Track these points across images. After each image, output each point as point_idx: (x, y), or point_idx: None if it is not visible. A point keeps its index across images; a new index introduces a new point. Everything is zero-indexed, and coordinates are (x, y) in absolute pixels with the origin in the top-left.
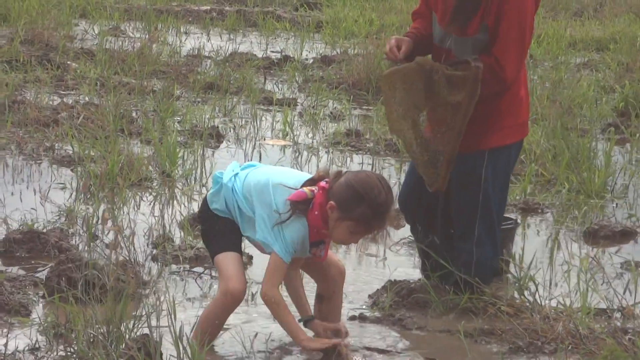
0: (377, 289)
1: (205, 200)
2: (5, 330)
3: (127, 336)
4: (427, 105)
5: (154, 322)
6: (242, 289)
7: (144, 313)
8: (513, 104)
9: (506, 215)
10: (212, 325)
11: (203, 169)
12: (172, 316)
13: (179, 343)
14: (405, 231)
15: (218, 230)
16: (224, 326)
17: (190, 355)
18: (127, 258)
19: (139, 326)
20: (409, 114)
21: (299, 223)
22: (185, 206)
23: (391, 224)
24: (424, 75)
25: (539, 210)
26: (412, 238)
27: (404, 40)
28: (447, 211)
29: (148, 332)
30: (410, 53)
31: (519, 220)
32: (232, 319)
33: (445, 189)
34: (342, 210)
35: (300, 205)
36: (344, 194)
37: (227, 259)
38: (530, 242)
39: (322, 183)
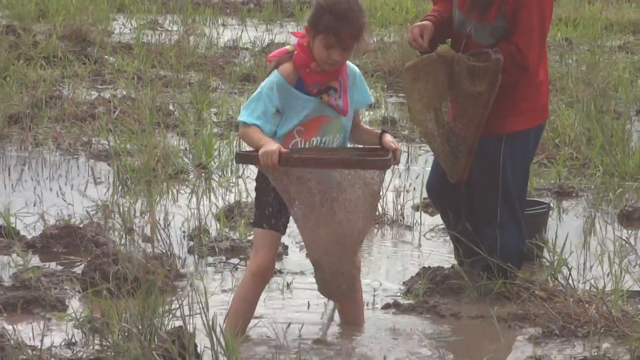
0: (411, 276)
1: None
2: (42, 325)
3: (161, 329)
4: (449, 95)
5: (187, 314)
6: (269, 266)
7: (177, 305)
8: (530, 88)
9: (540, 199)
10: (243, 304)
11: None
12: (205, 308)
13: (212, 334)
14: (437, 219)
15: (268, 201)
16: (257, 315)
17: (224, 346)
18: (164, 251)
19: (173, 319)
20: (432, 104)
21: (269, 76)
22: (221, 198)
23: (364, 36)
24: (446, 66)
25: (574, 194)
26: (444, 225)
27: (426, 27)
28: (471, 196)
29: (182, 324)
30: (433, 39)
31: (552, 204)
32: (265, 309)
33: (466, 177)
34: (312, 27)
35: (281, 60)
36: (311, 12)
37: (264, 236)
38: (565, 226)
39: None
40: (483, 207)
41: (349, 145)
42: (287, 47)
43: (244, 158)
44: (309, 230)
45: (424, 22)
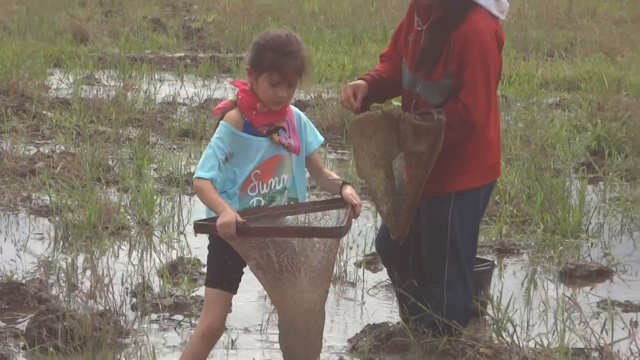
0: (356, 333)
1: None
2: None
3: None
4: (398, 152)
5: None
6: (219, 327)
7: None
8: (480, 146)
9: (482, 256)
10: None
11: (180, 216)
12: None
13: None
14: (380, 275)
15: (221, 262)
16: None
17: None
18: (107, 307)
19: None
20: (380, 162)
21: (217, 128)
22: (163, 254)
23: (308, 68)
24: (391, 124)
25: (515, 251)
26: (389, 281)
27: (360, 87)
28: (419, 254)
29: None
30: (366, 98)
31: (495, 262)
32: None
33: (410, 234)
34: (255, 67)
35: (226, 110)
36: (252, 53)
37: (216, 296)
38: (507, 283)
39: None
40: (431, 265)
41: (302, 187)
42: (230, 97)
43: (202, 228)
44: (276, 294)
45: (357, 82)
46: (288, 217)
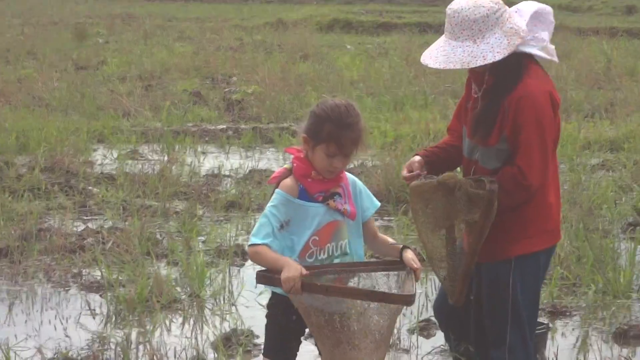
0: None
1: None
2: None
3: None
4: (456, 218)
5: None
6: None
7: None
8: (540, 211)
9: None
10: None
11: (231, 288)
12: None
13: None
14: (436, 340)
15: (279, 330)
16: None
17: None
18: None
19: None
20: (440, 224)
21: (274, 195)
22: (216, 326)
23: (364, 141)
24: (445, 192)
25: (567, 313)
26: (444, 347)
27: (413, 163)
28: (480, 319)
29: None
30: (422, 168)
31: (550, 324)
32: None
33: (468, 299)
34: (312, 137)
35: (282, 177)
36: (309, 123)
37: None
38: (561, 345)
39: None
40: (493, 330)
41: (360, 251)
42: (285, 166)
43: (265, 279)
44: (332, 357)
45: (413, 158)
46: (351, 280)
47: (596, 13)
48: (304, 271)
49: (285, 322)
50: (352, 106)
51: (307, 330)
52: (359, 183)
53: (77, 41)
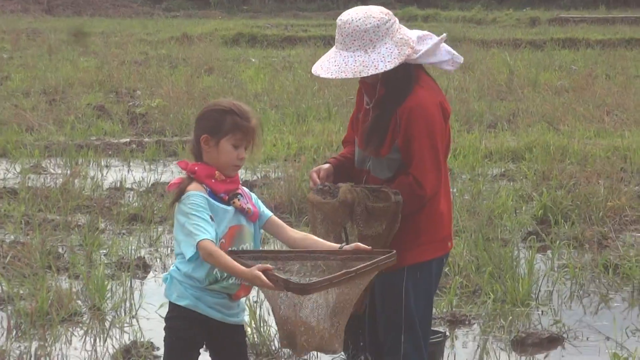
0: None
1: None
2: None
3: None
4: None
5: None
6: None
7: None
8: (432, 219)
9: (434, 328)
10: None
11: (132, 301)
12: None
13: None
14: None
15: (178, 343)
16: None
17: None
18: None
19: None
20: (332, 229)
21: (187, 199)
22: (116, 339)
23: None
24: (347, 209)
25: (466, 322)
26: (343, 356)
27: (321, 169)
28: (375, 328)
29: None
30: (329, 177)
31: (447, 333)
32: None
33: (368, 308)
34: (214, 133)
35: (182, 185)
36: (206, 122)
37: None
38: (459, 354)
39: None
40: (387, 339)
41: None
42: (181, 176)
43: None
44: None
45: (322, 165)
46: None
47: (500, 25)
48: (259, 268)
49: (184, 334)
50: (242, 102)
51: (204, 342)
52: (253, 194)
53: None
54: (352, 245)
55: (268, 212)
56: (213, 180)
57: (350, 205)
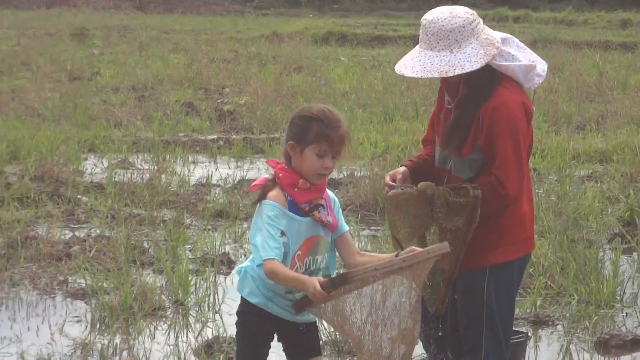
0: None
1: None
2: None
3: None
4: (431, 225)
5: None
6: None
7: None
8: (514, 220)
9: (517, 328)
10: None
11: (216, 296)
12: None
13: None
14: (418, 348)
15: (250, 336)
16: None
17: None
18: None
19: None
20: (415, 232)
21: (262, 209)
22: (199, 333)
23: (349, 143)
24: (425, 201)
25: (550, 323)
26: (426, 354)
27: (397, 172)
28: (456, 328)
29: None
30: (406, 180)
31: (530, 334)
32: None
33: (450, 307)
34: (300, 141)
35: (266, 188)
36: (294, 128)
37: None
38: (542, 355)
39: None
40: (468, 339)
41: (333, 266)
42: (266, 175)
43: (302, 306)
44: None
45: (397, 169)
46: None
47: (591, 27)
48: (320, 280)
49: (255, 329)
50: (335, 109)
51: (275, 335)
52: (336, 201)
53: (73, 51)
54: (408, 249)
55: (345, 226)
56: (296, 190)
57: (429, 197)
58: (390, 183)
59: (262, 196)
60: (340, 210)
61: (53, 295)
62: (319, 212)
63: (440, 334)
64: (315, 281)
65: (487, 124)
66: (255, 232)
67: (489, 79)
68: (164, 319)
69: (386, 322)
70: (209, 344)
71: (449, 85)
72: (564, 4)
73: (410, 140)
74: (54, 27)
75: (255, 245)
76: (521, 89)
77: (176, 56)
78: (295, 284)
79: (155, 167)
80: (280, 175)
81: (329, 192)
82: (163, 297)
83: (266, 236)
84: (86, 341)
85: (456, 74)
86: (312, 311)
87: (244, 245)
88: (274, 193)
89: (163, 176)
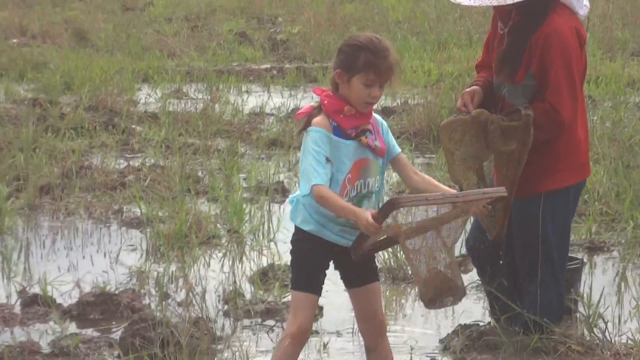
0: (448, 334)
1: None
2: None
3: None
4: (488, 155)
5: None
6: (308, 328)
7: None
8: (570, 146)
9: (572, 255)
10: None
11: (270, 224)
12: None
13: None
14: (472, 275)
15: (306, 264)
16: None
17: None
18: (200, 315)
19: None
20: (471, 165)
21: (308, 135)
22: (254, 261)
23: (397, 71)
24: (479, 127)
25: (605, 249)
26: (480, 282)
27: (476, 92)
28: (512, 253)
29: None
30: (481, 103)
31: (585, 260)
32: None
33: (506, 233)
34: (347, 69)
35: (311, 116)
36: (342, 56)
37: (303, 299)
38: (597, 281)
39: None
40: (524, 265)
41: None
42: (312, 103)
43: (358, 248)
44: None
45: (473, 87)
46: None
47: None
48: (372, 213)
49: (310, 256)
50: (383, 38)
51: (330, 263)
52: (385, 125)
53: None
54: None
55: (397, 149)
56: (341, 116)
57: (483, 124)
58: (463, 108)
59: (307, 123)
60: (390, 133)
61: (108, 224)
62: (365, 137)
63: (498, 260)
64: (367, 213)
65: (540, 51)
66: (303, 159)
67: (541, 5)
68: (219, 247)
69: (441, 250)
70: (264, 271)
71: (501, 11)
72: None
73: (464, 68)
74: None
75: (303, 172)
76: (574, 15)
77: None
78: (345, 213)
79: (209, 97)
80: (326, 102)
81: (376, 116)
82: (218, 225)
83: (313, 163)
84: (142, 269)
85: (515, 1)
86: (369, 247)
87: (297, 174)
88: (319, 119)
89: (217, 106)
